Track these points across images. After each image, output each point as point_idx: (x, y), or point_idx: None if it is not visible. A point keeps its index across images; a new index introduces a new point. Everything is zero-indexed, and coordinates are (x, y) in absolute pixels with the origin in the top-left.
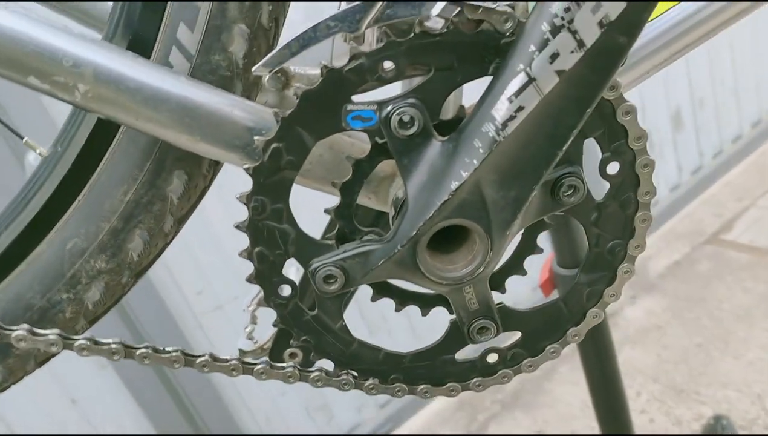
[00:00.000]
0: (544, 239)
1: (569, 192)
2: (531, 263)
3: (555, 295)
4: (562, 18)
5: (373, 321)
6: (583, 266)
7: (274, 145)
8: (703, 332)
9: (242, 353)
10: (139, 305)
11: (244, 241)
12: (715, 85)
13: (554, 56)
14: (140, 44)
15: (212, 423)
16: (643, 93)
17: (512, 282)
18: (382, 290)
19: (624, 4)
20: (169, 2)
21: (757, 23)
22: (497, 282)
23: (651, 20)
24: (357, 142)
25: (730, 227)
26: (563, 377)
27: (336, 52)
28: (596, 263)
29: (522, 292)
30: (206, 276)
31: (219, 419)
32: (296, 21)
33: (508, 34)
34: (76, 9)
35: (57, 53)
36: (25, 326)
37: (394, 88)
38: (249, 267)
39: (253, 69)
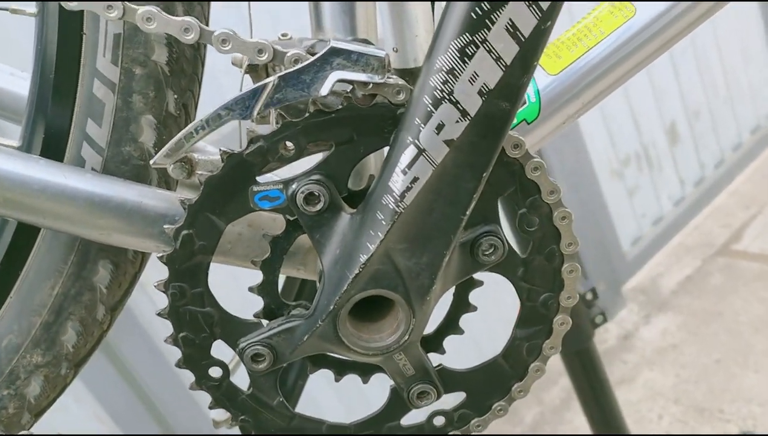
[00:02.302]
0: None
1: (489, 251)
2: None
3: None
4: (442, 90)
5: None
6: (518, 320)
7: (184, 232)
8: (721, 347)
9: (215, 423)
10: (127, 343)
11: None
12: (708, 95)
13: (440, 127)
14: (54, 141)
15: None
16: (634, 109)
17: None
18: (318, 361)
19: (500, 73)
20: (77, 99)
21: (744, 27)
22: (435, 344)
23: (561, 71)
24: (279, 217)
25: (740, 236)
26: None
27: (244, 134)
28: (531, 317)
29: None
30: None
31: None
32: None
33: (402, 105)
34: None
35: None
36: None
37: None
38: (253, 306)
39: (151, 162)
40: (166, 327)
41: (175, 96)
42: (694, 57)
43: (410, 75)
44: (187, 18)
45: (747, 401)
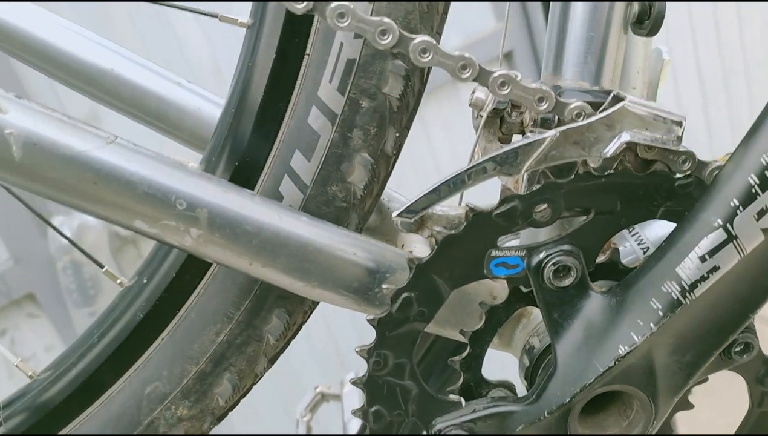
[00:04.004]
0: None
1: (741, 348)
2: None
3: None
4: None
5: None
6: (743, 425)
7: (404, 294)
8: (737, 411)
9: None
10: None
11: None
12: None
13: (762, 212)
14: (246, 170)
15: None
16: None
17: None
18: None
19: None
20: (283, 127)
21: None
22: None
23: None
24: (485, 283)
25: None
26: None
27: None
28: (759, 425)
29: None
30: None
31: None
32: None
33: (683, 175)
34: (170, 125)
35: (170, 195)
36: None
37: None
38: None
39: (394, 214)
40: None
41: (397, 134)
42: None
43: None
44: (465, 54)
45: None
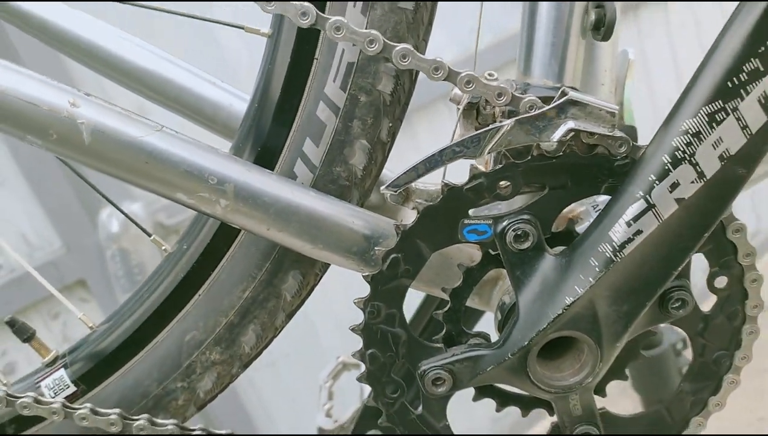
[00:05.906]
0: None
1: (677, 305)
2: None
3: None
4: (684, 151)
5: None
6: (687, 374)
7: (393, 255)
8: (767, 405)
9: (322, 431)
10: None
11: None
12: None
13: (674, 185)
14: (267, 154)
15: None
16: None
17: None
18: (484, 391)
19: (744, 140)
20: (296, 119)
21: None
22: (598, 387)
23: None
24: (465, 249)
25: None
26: None
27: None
28: (701, 373)
29: None
30: None
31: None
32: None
33: (621, 157)
34: (206, 118)
35: (204, 172)
36: (145, 415)
37: None
38: (296, 325)
39: (381, 188)
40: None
41: (390, 124)
42: None
43: None
44: (438, 58)
45: None
